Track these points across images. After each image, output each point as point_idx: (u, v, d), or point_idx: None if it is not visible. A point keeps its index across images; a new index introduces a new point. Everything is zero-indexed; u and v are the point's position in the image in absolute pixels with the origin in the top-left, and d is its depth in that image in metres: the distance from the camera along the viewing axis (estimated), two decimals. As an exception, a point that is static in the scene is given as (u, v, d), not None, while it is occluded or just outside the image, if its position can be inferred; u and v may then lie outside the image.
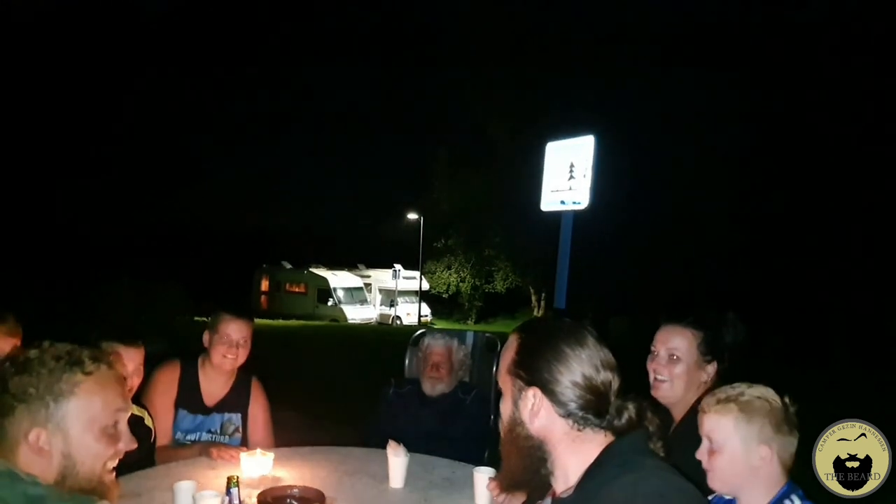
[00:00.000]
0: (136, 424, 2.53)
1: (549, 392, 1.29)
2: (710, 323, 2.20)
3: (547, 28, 24.18)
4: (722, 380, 2.15)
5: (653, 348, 2.23)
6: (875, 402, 7.12)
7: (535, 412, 1.30)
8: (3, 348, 2.33)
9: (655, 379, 2.20)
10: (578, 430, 1.29)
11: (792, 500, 1.57)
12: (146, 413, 2.63)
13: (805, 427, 1.64)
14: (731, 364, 2.20)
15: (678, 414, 2.20)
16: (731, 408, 1.62)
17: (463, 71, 27.10)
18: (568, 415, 1.29)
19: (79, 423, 1.35)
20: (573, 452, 1.29)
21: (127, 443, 1.45)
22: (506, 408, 1.36)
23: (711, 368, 2.17)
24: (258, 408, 2.97)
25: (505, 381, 1.36)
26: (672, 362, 2.16)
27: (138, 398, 2.64)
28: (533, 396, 1.30)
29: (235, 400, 2.92)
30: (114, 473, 1.45)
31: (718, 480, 1.63)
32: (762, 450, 1.59)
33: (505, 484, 1.44)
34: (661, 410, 2.24)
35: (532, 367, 1.32)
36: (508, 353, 1.37)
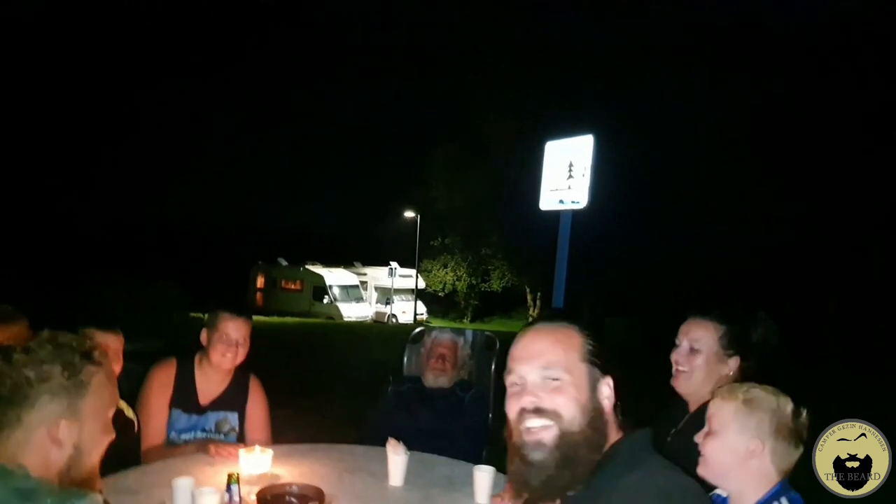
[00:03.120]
0: (117, 415, 2.55)
1: (615, 382, 1.32)
2: (735, 318, 2.23)
3: (546, 28, 24.17)
4: (744, 378, 2.13)
5: (676, 340, 2.27)
6: (872, 403, 7.12)
7: (611, 401, 1.31)
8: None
9: (676, 370, 2.24)
10: (617, 423, 1.31)
11: (780, 503, 1.57)
12: (125, 404, 2.61)
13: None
14: (760, 363, 2.21)
15: (694, 406, 2.22)
16: (737, 396, 1.62)
17: (462, 70, 27.06)
18: (616, 406, 1.31)
19: (91, 414, 1.38)
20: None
21: (111, 435, 1.48)
22: (578, 397, 1.29)
23: (734, 363, 2.18)
24: (256, 406, 2.94)
25: (577, 370, 1.31)
26: (692, 353, 2.19)
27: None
28: (608, 385, 1.31)
29: (232, 398, 2.89)
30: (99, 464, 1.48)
31: (706, 465, 1.63)
32: (753, 443, 1.58)
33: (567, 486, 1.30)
34: (679, 401, 2.28)
35: (604, 356, 1.32)
36: (573, 342, 1.34)
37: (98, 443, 1.42)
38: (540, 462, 1.26)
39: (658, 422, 2.34)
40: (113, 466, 2.20)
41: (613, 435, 1.30)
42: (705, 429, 1.66)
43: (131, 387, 2.82)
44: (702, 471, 1.64)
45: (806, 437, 1.62)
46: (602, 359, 1.33)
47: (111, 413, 1.46)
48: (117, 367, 2.60)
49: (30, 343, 1.36)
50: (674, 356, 2.26)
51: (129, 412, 2.61)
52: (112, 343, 2.54)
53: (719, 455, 1.61)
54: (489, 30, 25.45)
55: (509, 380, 1.36)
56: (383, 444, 2.44)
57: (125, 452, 2.42)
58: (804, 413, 1.62)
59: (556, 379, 1.29)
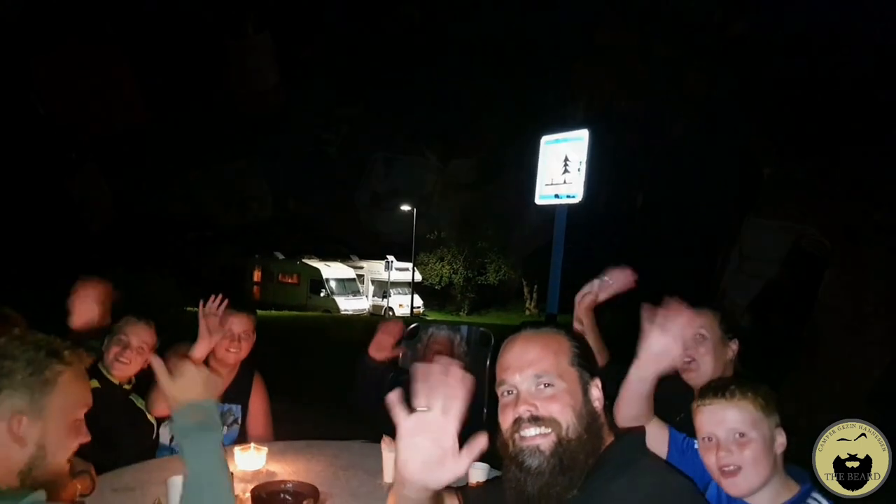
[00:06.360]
0: (139, 418, 2.57)
1: (601, 382, 1.32)
2: (718, 305, 2.23)
3: (542, 20, 24.08)
4: (740, 359, 2.19)
5: None
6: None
7: (601, 402, 1.31)
8: None
9: (684, 362, 2.18)
10: (609, 424, 1.32)
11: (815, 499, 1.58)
12: (145, 407, 2.64)
13: (805, 426, 1.64)
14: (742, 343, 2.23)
15: None
16: (753, 398, 1.60)
17: (456, 63, 26.96)
18: (605, 407, 1.32)
19: (56, 413, 1.36)
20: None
21: (83, 437, 1.45)
22: (573, 403, 1.28)
23: (734, 346, 2.19)
24: (258, 402, 3.00)
25: (568, 374, 1.31)
26: (697, 341, 2.16)
27: (144, 391, 2.65)
28: (597, 387, 1.32)
29: (237, 391, 2.94)
30: (69, 466, 1.46)
31: (752, 476, 1.57)
32: (780, 436, 1.60)
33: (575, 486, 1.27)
34: (682, 388, 2.24)
35: (590, 359, 1.34)
36: (562, 346, 1.34)
37: (64, 444, 1.39)
38: (537, 468, 1.24)
39: (659, 410, 2.34)
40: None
41: (607, 437, 1.30)
42: (733, 437, 1.59)
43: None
44: (739, 487, 1.58)
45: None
46: (589, 361, 1.33)
47: (81, 414, 1.44)
48: (150, 358, 2.61)
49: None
50: None
51: (151, 416, 2.64)
52: (144, 334, 2.61)
53: (764, 458, 1.57)
54: (485, 21, 25.35)
55: (501, 389, 1.34)
56: (379, 438, 2.42)
57: (144, 454, 2.48)
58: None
59: (550, 385, 1.28)
